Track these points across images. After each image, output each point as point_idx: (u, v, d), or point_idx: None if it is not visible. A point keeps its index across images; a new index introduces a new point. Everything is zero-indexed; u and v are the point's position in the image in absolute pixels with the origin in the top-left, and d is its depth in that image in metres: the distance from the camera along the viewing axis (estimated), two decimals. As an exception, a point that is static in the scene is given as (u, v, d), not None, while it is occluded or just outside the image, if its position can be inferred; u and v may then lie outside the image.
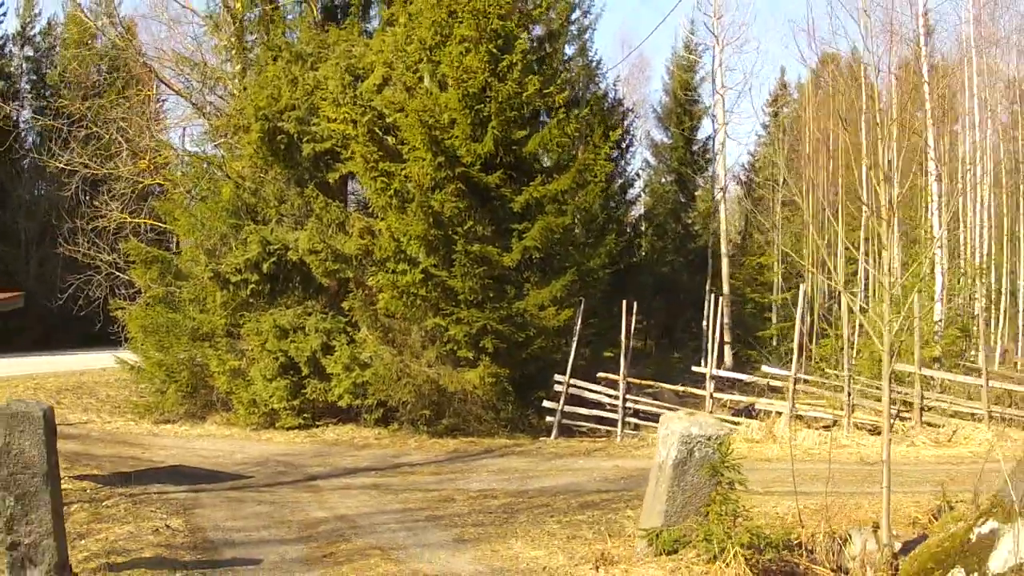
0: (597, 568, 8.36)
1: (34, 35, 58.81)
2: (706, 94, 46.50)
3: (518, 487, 14.03)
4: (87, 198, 27.92)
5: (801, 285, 15.92)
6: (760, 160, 55.65)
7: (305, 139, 21.17)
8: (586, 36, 42.53)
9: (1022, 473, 7.55)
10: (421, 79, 21.13)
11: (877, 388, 19.29)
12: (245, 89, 24.08)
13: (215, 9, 26.51)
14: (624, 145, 46.50)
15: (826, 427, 18.58)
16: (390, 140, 20.41)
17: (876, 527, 8.92)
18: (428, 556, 9.31)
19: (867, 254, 25.72)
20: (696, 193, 47.81)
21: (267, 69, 23.04)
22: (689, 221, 48.21)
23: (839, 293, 15.59)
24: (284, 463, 16.55)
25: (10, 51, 57.22)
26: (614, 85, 47.11)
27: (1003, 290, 29.28)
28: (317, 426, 20.77)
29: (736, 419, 19.42)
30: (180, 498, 12.59)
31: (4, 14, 54.31)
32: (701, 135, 48.43)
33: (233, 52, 25.57)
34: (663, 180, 49.93)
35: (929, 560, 7.63)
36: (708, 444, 8.51)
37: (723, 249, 40.28)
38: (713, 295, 20.33)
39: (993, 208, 30.79)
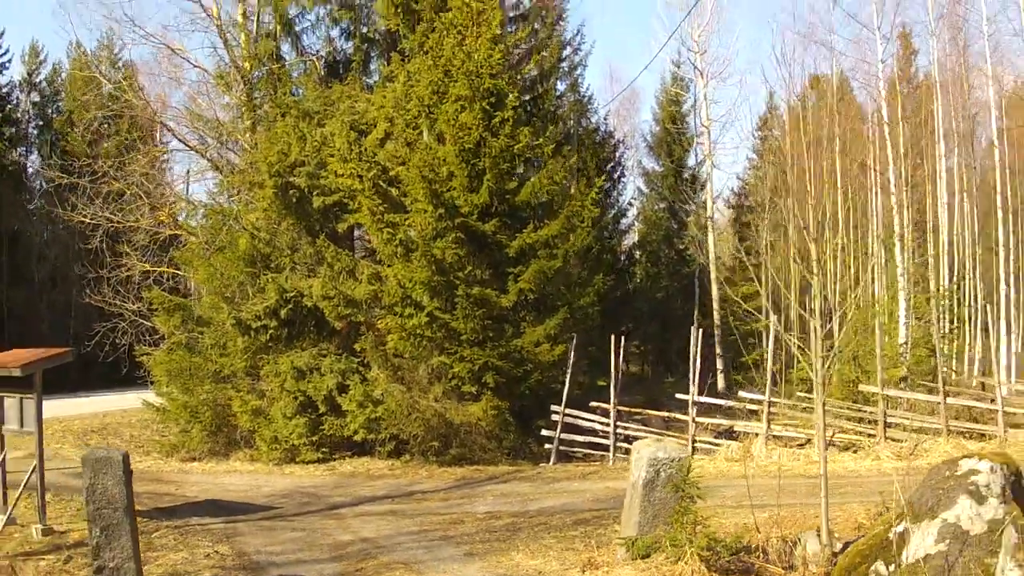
0: (584, 571, 10.02)
1: (39, 81, 60.23)
2: (694, 123, 47.77)
3: (519, 508, 15.66)
4: (104, 247, 29.36)
5: (772, 316, 17.42)
6: (749, 185, 57.20)
7: (315, 193, 22.86)
8: (577, 72, 44.06)
9: (929, 483, 9.21)
10: (420, 134, 22.86)
11: (846, 409, 21.02)
12: (256, 146, 25.79)
13: (225, 68, 28.20)
14: (616, 176, 48.04)
15: (800, 445, 20.20)
16: (393, 192, 22.11)
17: (828, 533, 10.55)
18: (443, 568, 10.95)
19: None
20: (688, 219, 49.06)
21: (276, 125, 24.77)
22: (682, 247, 49.41)
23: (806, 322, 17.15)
24: (308, 494, 18.10)
25: (16, 97, 58.54)
26: (604, 119, 48.53)
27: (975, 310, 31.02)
28: (334, 459, 22.27)
29: (718, 441, 21.10)
30: (219, 528, 14.13)
31: (9, 60, 55.52)
32: (691, 162, 49.77)
33: (243, 109, 27.16)
34: (656, 207, 51.07)
35: (857, 556, 9.23)
36: (672, 465, 10.21)
37: (712, 276, 41.76)
38: (695, 328, 21.84)
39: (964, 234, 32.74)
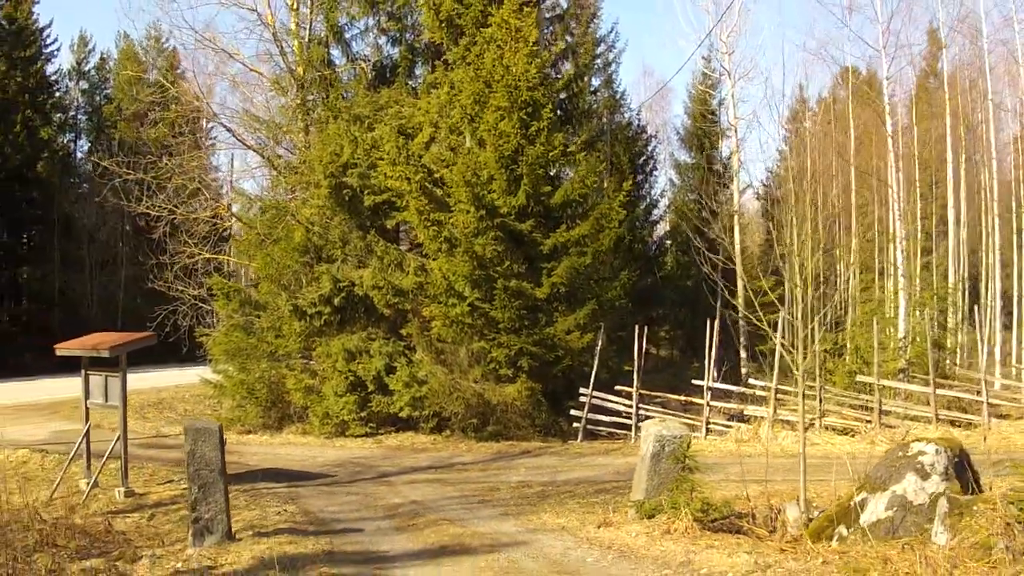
0: (599, 527, 12.07)
1: (88, 70, 62.99)
2: (724, 116, 48.84)
3: (549, 479, 17.75)
4: (164, 236, 31.40)
5: (782, 312, 19.23)
6: (777, 177, 58.86)
7: (366, 192, 24.94)
8: (611, 69, 45.91)
9: (885, 461, 11.22)
10: (463, 139, 24.91)
11: (846, 396, 23.03)
12: (309, 146, 27.90)
13: (280, 73, 30.27)
14: (648, 169, 49.92)
15: (805, 429, 22.18)
16: (438, 192, 24.16)
17: (806, 502, 12.54)
18: (482, 524, 13.00)
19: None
20: (718, 210, 50.44)
21: (328, 127, 26.81)
22: (713, 236, 50.93)
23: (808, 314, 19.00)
24: (359, 464, 20.22)
25: (66, 85, 61.06)
26: (637, 114, 50.31)
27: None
28: (381, 434, 24.46)
29: (729, 423, 23.17)
30: (284, 492, 16.23)
31: (58, 50, 57.57)
32: (721, 155, 50.86)
33: (297, 111, 29.22)
34: (686, 198, 52.54)
35: (825, 520, 11.18)
36: (674, 441, 12.27)
37: (738, 266, 43.43)
38: (711, 320, 23.82)
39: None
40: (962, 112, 36.16)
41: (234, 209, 31.93)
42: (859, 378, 23.44)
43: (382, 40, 29.54)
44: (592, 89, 40.70)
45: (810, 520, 11.73)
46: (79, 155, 61.87)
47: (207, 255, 30.67)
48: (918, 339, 25.77)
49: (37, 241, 54.33)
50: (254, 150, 30.39)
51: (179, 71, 48.20)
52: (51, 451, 19.32)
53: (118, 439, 15.10)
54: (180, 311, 30.89)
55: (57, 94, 58.60)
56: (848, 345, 28.57)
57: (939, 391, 22.09)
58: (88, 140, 61.69)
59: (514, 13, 24.23)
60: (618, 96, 47.62)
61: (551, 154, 23.82)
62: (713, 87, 50.30)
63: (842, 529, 10.62)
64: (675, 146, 57.83)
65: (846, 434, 21.67)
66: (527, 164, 23.04)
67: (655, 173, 51.72)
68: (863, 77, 46.86)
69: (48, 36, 56.12)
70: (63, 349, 16.44)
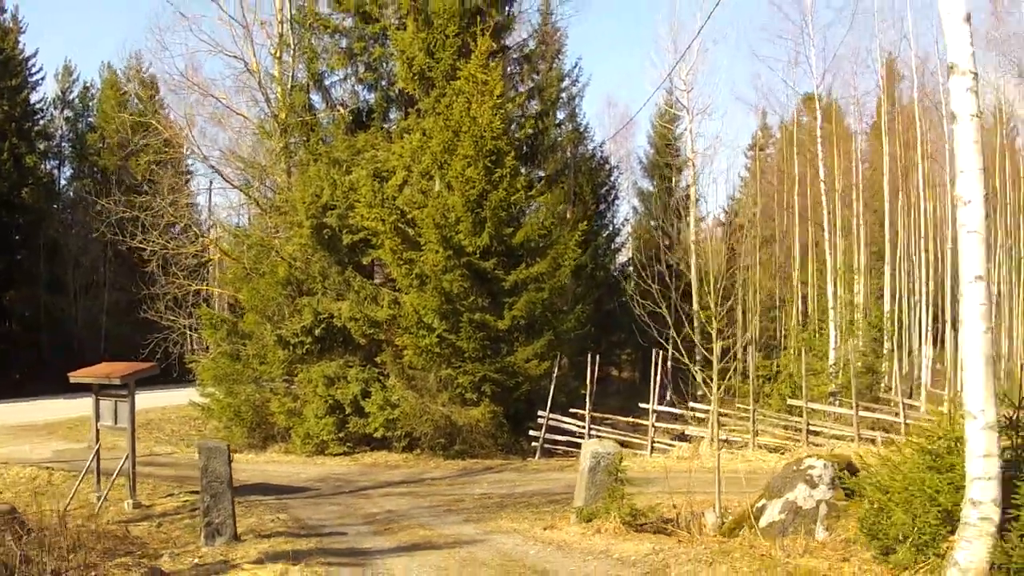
0: (545, 529, 14.42)
1: (72, 99, 64.52)
2: (684, 148, 50.96)
3: (508, 491, 20.11)
4: (155, 269, 33.53)
5: (715, 338, 21.62)
6: (737, 204, 61.63)
7: (344, 231, 27.32)
8: (575, 103, 48.15)
9: (782, 474, 13.67)
10: (433, 183, 27.34)
11: (779, 418, 25.60)
12: (291, 188, 30.22)
13: (264, 116, 32.62)
14: (610, 198, 52.32)
15: (739, 447, 24.71)
16: (410, 232, 26.55)
17: (723, 508, 14.91)
18: (448, 528, 15.29)
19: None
20: (677, 238, 52.66)
21: (309, 170, 29.16)
22: (672, 263, 53.21)
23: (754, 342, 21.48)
24: (339, 479, 22.49)
25: (51, 114, 62.69)
26: (600, 147, 52.60)
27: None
28: (357, 452, 26.84)
29: (672, 442, 25.68)
30: (274, 503, 18.43)
31: (43, 78, 59.08)
32: (683, 183, 52.89)
33: (280, 154, 31.52)
34: (648, 224, 54.98)
35: (734, 523, 13.53)
36: (608, 457, 14.65)
37: (694, 293, 45.76)
38: (657, 348, 26.23)
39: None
40: (898, 157, 39.07)
41: (222, 244, 34.05)
42: (790, 401, 26.00)
43: (359, 87, 31.92)
44: (557, 122, 42.96)
45: (723, 524, 14.10)
46: (62, 182, 63.68)
47: (195, 287, 32.89)
48: (847, 366, 28.36)
49: (24, 265, 55.41)
50: (240, 189, 32.75)
51: (165, 112, 50.14)
52: (56, 469, 20.85)
53: (127, 457, 17.04)
54: (170, 338, 33.06)
55: (41, 122, 60.35)
56: (783, 372, 31.23)
57: (862, 412, 24.68)
58: (71, 167, 63.74)
59: (481, 68, 26.74)
60: (582, 129, 49.82)
61: (513, 198, 26.30)
62: (672, 121, 52.73)
63: (745, 531, 12.89)
64: (638, 175, 60.48)
65: (777, 452, 24.13)
66: (491, 208, 25.53)
67: (617, 202, 54.12)
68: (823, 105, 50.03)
69: (33, 66, 58.00)
70: (77, 377, 18.35)
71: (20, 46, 56.83)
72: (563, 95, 45.68)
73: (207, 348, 32.66)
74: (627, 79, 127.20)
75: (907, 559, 8.35)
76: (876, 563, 9.02)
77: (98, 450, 17.97)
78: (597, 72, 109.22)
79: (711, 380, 15.58)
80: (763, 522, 12.76)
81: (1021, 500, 7.48)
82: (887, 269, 37.86)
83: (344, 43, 30.82)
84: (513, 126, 31.35)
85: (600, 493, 14.51)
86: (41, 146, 59.49)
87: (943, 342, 39.36)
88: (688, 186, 48.85)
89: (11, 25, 56.44)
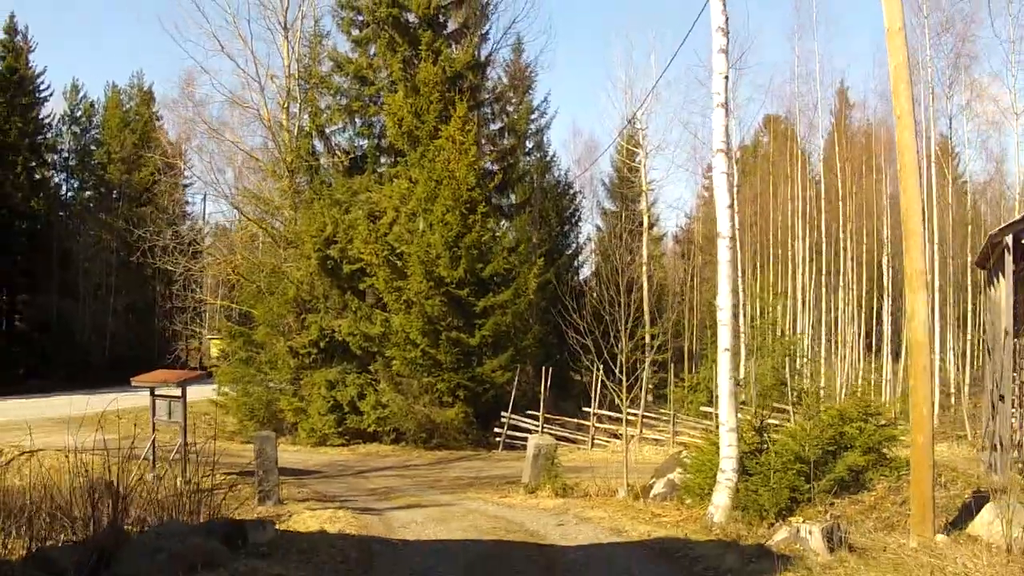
0: (500, 497, 20.25)
1: (79, 116, 69.32)
2: (640, 179, 55.99)
3: (475, 474, 26.00)
4: (174, 282, 39.17)
5: (652, 352, 27.70)
6: (692, 224, 67.16)
7: (344, 262, 33.14)
8: (543, 134, 53.25)
9: (669, 461, 19.67)
10: (418, 223, 33.20)
11: (696, 422, 31.52)
12: (296, 222, 35.98)
13: (273, 158, 38.34)
14: (574, 220, 57.69)
15: (664, 444, 30.67)
16: (399, 263, 32.36)
17: (629, 485, 20.78)
18: (429, 496, 21.01)
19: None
20: (638, 254, 57.24)
21: (313, 206, 34.97)
22: (632, 277, 58.22)
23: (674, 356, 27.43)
24: (340, 465, 28.23)
25: (59, 129, 67.63)
26: (565, 174, 58.12)
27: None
28: (353, 444, 32.67)
29: (608, 440, 31.60)
30: (294, 482, 23.94)
31: (51, 95, 63.41)
32: (641, 207, 57.58)
33: (287, 192, 37.24)
34: (610, 243, 60.17)
35: (634, 495, 19.24)
36: (546, 447, 20.60)
37: (645, 309, 51.30)
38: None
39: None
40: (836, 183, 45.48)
41: (240, 269, 39.54)
42: (703, 408, 31.98)
43: (356, 137, 37.78)
44: (526, 151, 48.47)
45: (627, 494, 19.93)
46: (69, 192, 68.64)
47: (216, 302, 38.67)
48: (757, 379, 34.29)
49: (36, 271, 59.53)
50: (253, 221, 38.34)
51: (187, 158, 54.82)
52: (101, 456, 25.85)
53: (181, 444, 22.38)
54: (174, 341, 38.72)
55: (50, 136, 65.28)
56: (701, 384, 37.33)
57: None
58: (78, 179, 68.99)
59: (459, 130, 32.61)
60: (548, 158, 55.23)
61: (483, 239, 32.22)
62: (631, 154, 58.12)
63: (640, 498, 18.80)
64: (601, 196, 65.61)
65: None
66: (465, 247, 31.46)
67: (580, 223, 59.64)
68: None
69: (42, 83, 62.87)
70: (139, 382, 23.61)
71: (31, 64, 62.01)
72: (532, 126, 51.04)
73: (207, 351, 38.08)
74: (592, 104, 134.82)
75: (695, 503, 14.43)
76: (686, 508, 14.97)
77: (154, 439, 23.36)
78: (564, 100, 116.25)
79: (628, 390, 21.41)
80: (652, 493, 18.56)
81: (751, 470, 13.53)
82: (799, 294, 44.24)
83: (344, 101, 36.72)
84: (487, 161, 37.57)
85: (540, 473, 20.39)
86: (50, 159, 65.05)
87: (875, 353, 46.00)
88: (642, 212, 53.99)
89: (22, 45, 61.36)
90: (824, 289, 47.34)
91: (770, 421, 27.85)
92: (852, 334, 47.30)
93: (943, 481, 14.11)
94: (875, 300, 49.13)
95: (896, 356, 45.03)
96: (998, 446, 18.99)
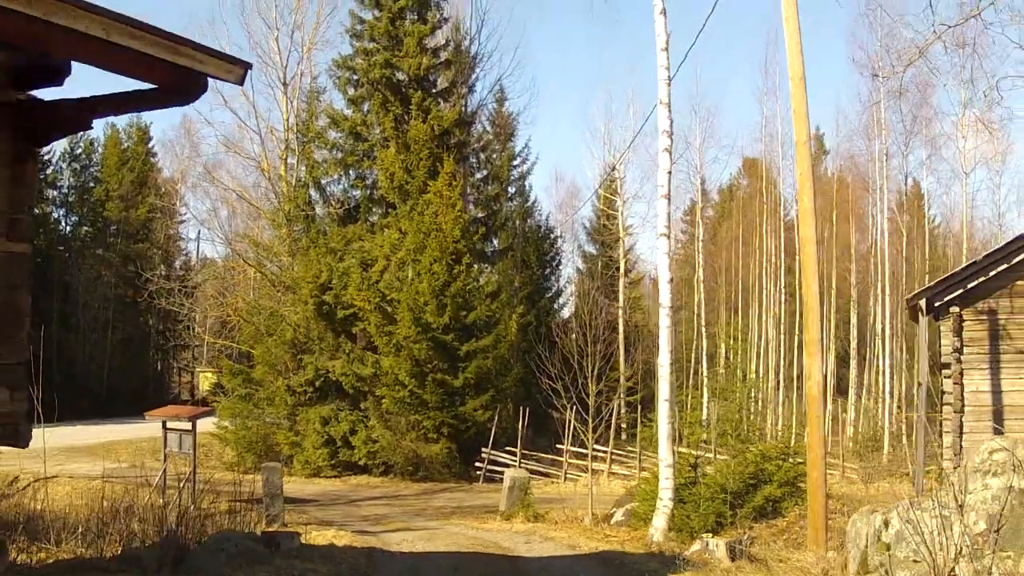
0: (480, 523, 22.97)
1: (79, 153, 71.42)
2: (618, 226, 59.06)
3: (457, 504, 28.66)
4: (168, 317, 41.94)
5: (614, 398, 30.46)
6: (672, 265, 69.72)
7: (338, 307, 35.84)
8: (525, 180, 55.66)
9: (627, 494, 22.44)
10: (407, 272, 35.97)
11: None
12: (293, 267, 38.72)
13: (274, 208, 41.20)
14: (554, 264, 60.16)
15: (631, 479, 33.36)
16: (389, 309, 35.11)
17: (593, 513, 23.52)
18: (417, 523, 23.63)
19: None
20: (619, 294, 59.64)
21: (309, 253, 37.71)
22: (611, 319, 60.58)
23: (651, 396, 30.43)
24: (334, 495, 30.79)
25: (60, 166, 69.86)
26: (547, 219, 60.83)
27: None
28: (345, 476, 35.15)
29: (580, 474, 34.27)
30: (293, 508, 26.43)
31: None
32: (620, 252, 59.80)
33: (285, 238, 40.04)
34: (589, 284, 62.43)
35: (596, 521, 22.18)
36: (521, 480, 23.37)
37: (620, 349, 53.90)
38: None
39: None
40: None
41: (241, 313, 42.25)
42: (680, 450, 34.66)
43: (349, 188, 40.57)
44: (509, 196, 51.03)
45: (591, 521, 22.66)
46: (68, 227, 70.88)
47: (216, 341, 41.38)
48: (719, 420, 36.99)
49: (38, 305, 60.17)
50: (253, 266, 41.11)
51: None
52: (115, 482, 26.99)
53: (191, 472, 24.99)
54: (167, 375, 41.44)
55: (51, 172, 67.43)
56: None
57: (719, 456, 33.40)
58: (77, 215, 71.08)
59: (446, 186, 35.42)
60: (530, 203, 57.80)
61: (467, 287, 35.03)
62: (610, 203, 60.84)
63: (602, 524, 21.57)
64: (582, 239, 68.03)
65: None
66: (451, 296, 34.22)
67: (560, 267, 62.17)
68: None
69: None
70: (152, 416, 26.45)
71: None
72: (515, 172, 53.33)
73: (198, 384, 40.72)
74: (573, 150, 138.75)
75: (640, 526, 17.23)
76: (633, 530, 17.74)
77: (165, 469, 25.84)
78: (545, 146, 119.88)
79: (593, 431, 24.25)
80: (613, 520, 21.38)
81: (685, 499, 16.34)
82: (761, 340, 47.27)
83: (339, 155, 39.54)
84: (472, 208, 40.51)
85: (515, 503, 23.12)
86: (49, 194, 66.85)
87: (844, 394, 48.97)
88: (619, 258, 56.75)
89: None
90: (789, 333, 50.37)
91: (722, 458, 30.88)
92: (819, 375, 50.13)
93: (846, 510, 16.85)
94: (842, 343, 52.19)
95: (858, 396, 48.07)
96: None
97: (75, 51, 6.77)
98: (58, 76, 7.93)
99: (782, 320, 51.36)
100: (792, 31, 13.79)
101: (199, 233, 62.21)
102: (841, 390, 50.90)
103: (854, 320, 49.17)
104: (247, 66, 7.65)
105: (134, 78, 7.23)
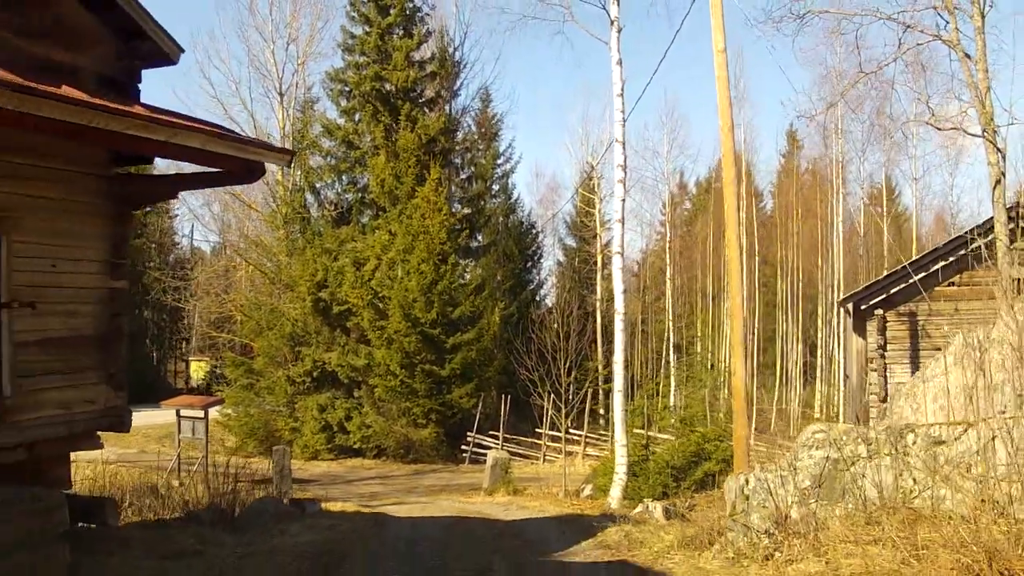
0: (466, 499, 25.92)
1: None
2: (596, 222, 60.54)
3: (445, 483, 31.61)
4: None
5: (586, 385, 33.53)
6: (650, 257, 72.09)
7: (334, 303, 38.75)
8: (507, 179, 57.36)
9: (593, 471, 25.44)
10: (397, 271, 38.87)
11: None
12: (291, 266, 41.53)
13: (272, 210, 44.05)
14: (536, 258, 62.57)
15: (602, 459, 36.34)
16: (381, 305, 38.02)
17: (565, 488, 26.49)
18: (409, 498, 26.56)
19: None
20: (597, 286, 60.52)
21: (305, 253, 40.54)
22: (591, 309, 62.52)
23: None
24: (332, 476, 33.73)
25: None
26: (528, 214, 63.30)
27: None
28: (341, 459, 38.03)
29: (557, 456, 37.24)
30: (296, 487, 29.56)
31: None
32: (598, 246, 60.99)
33: (283, 239, 42.88)
34: (569, 275, 64.96)
35: (568, 494, 25.24)
36: (502, 460, 26.40)
37: (598, 340, 56.16)
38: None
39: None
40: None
41: (243, 308, 45.11)
42: (636, 431, 37.68)
43: (342, 192, 43.43)
44: (492, 193, 53.55)
45: (565, 495, 25.61)
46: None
47: (217, 335, 44.29)
48: (685, 406, 40.20)
49: None
50: (253, 264, 43.98)
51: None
52: (129, 466, 28.53)
53: (204, 456, 27.54)
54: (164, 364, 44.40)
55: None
56: (638, 408, 43.13)
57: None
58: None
59: (433, 191, 38.37)
60: (512, 200, 59.81)
61: (453, 286, 37.99)
62: (588, 201, 63.17)
63: (573, 497, 24.52)
64: (563, 232, 70.92)
65: (625, 462, 35.92)
66: (437, 293, 37.21)
67: (541, 260, 64.73)
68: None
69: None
70: (167, 404, 29.25)
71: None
72: (498, 171, 55.24)
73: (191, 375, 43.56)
74: (553, 147, 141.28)
75: (600, 496, 20.28)
76: (595, 500, 20.76)
77: (179, 454, 28.58)
78: (527, 142, 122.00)
79: (566, 416, 27.30)
80: (583, 495, 24.34)
81: (638, 473, 19.40)
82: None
83: (332, 162, 42.43)
84: (457, 205, 43.47)
85: (497, 480, 26.12)
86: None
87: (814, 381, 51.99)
88: (596, 252, 59.15)
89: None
90: (764, 322, 53.29)
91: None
92: (792, 363, 53.26)
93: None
94: (813, 332, 55.21)
95: (824, 383, 51.14)
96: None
97: (178, 155, 9.56)
98: (150, 160, 10.58)
99: (757, 310, 54.05)
100: (722, 89, 16.39)
101: (192, 228, 64.73)
102: (810, 379, 53.99)
103: (821, 312, 52.21)
104: (292, 153, 10.52)
105: (211, 167, 9.58)
